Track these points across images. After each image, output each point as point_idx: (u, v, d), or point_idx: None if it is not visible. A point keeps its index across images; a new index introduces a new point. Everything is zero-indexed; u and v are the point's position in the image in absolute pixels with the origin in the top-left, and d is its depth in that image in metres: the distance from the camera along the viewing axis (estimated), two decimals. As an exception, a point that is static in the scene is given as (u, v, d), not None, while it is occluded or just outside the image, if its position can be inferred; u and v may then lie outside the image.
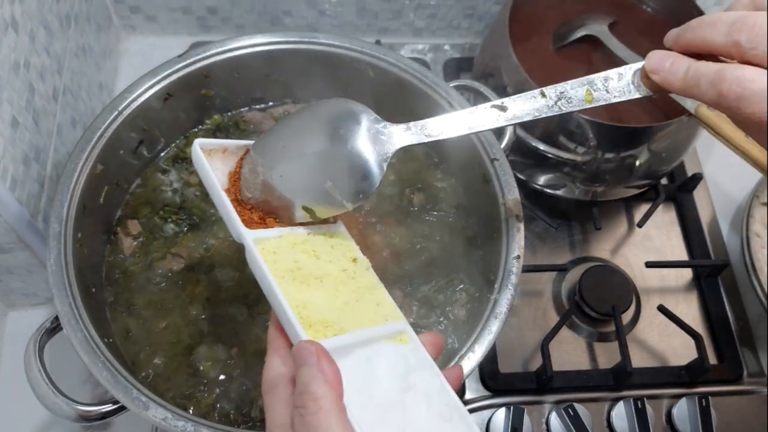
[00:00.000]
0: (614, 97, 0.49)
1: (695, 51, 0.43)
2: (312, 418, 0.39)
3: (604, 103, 0.49)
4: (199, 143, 0.53)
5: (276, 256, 0.50)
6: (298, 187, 0.52)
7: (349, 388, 0.41)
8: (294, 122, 0.54)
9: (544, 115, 0.50)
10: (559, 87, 0.50)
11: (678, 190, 0.93)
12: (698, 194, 0.93)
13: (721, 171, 0.97)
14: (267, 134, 0.55)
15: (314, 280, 0.49)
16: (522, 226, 0.65)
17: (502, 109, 0.51)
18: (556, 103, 0.50)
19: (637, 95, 0.48)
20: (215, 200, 0.53)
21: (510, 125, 0.52)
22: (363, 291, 0.51)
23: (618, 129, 0.75)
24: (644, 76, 0.47)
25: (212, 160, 0.54)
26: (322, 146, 0.52)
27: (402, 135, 0.52)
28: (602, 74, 0.49)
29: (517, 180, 0.68)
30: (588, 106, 0.49)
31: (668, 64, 0.45)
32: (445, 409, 0.46)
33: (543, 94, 0.50)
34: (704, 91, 0.42)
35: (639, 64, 0.48)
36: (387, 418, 0.43)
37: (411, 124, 0.52)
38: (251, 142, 0.56)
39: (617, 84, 0.49)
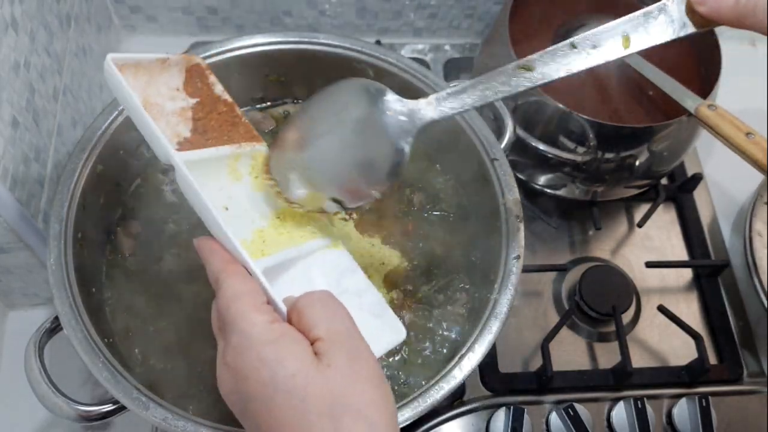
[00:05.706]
0: (655, 38, 0.44)
1: None
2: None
3: (645, 47, 0.45)
4: (111, 58, 0.48)
5: (206, 176, 0.49)
6: (324, 179, 0.51)
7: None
8: (309, 112, 0.52)
9: (576, 70, 0.46)
10: (589, 35, 0.45)
11: (678, 190, 0.93)
12: (698, 194, 0.93)
13: (721, 171, 0.97)
14: (286, 127, 0.53)
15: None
16: (522, 226, 0.65)
17: (528, 68, 0.47)
18: (590, 54, 0.45)
19: (682, 33, 0.44)
20: (138, 120, 0.49)
21: (539, 85, 0.47)
22: (293, 212, 0.54)
23: (618, 129, 0.75)
24: (689, 9, 0.43)
25: (125, 77, 0.49)
26: (339, 136, 0.49)
27: (424, 110, 0.49)
28: (640, 12, 0.45)
29: (517, 180, 0.68)
30: (628, 51, 0.45)
31: None
32: (375, 306, 0.50)
33: (573, 46, 0.46)
34: (761, 20, 0.38)
35: None
36: None
37: (432, 97, 0.49)
38: (164, 55, 0.53)
39: (657, 22, 0.44)
